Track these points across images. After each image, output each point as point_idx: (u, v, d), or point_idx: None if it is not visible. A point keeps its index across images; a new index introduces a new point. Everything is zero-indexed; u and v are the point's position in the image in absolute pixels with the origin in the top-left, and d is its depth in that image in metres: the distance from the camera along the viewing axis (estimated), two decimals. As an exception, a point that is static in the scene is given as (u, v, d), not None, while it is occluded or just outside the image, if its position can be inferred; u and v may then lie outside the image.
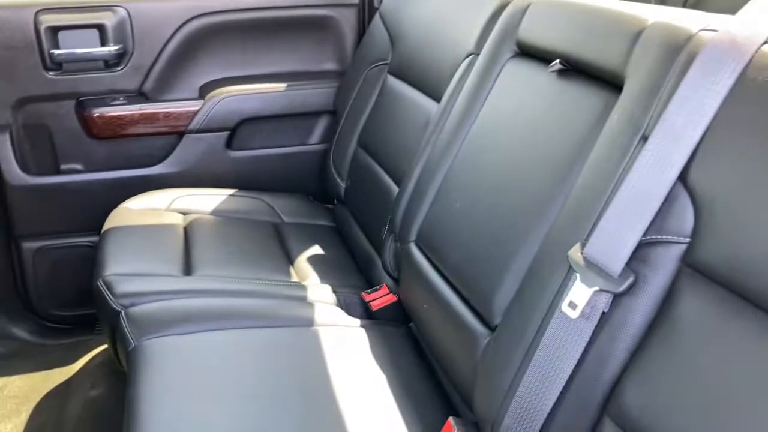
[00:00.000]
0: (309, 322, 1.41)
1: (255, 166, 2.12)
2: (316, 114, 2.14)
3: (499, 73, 1.34)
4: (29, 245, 2.04)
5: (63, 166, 2.04)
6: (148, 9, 1.97)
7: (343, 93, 2.05)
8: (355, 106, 1.96)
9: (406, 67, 1.77)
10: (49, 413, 1.79)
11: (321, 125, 2.16)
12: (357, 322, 1.44)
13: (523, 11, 1.31)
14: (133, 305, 1.40)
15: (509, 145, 1.22)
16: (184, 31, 2.01)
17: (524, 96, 1.25)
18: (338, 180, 1.94)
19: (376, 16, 2.00)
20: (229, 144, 2.09)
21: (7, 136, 1.95)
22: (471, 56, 1.47)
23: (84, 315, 2.06)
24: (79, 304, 2.07)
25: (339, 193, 1.93)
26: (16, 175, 1.96)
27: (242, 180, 2.08)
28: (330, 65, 2.18)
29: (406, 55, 1.79)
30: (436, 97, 1.54)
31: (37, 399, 1.84)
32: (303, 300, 1.49)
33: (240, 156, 2.10)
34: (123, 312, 1.38)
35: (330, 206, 2.07)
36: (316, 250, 1.77)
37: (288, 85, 2.09)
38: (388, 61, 1.87)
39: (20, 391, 1.87)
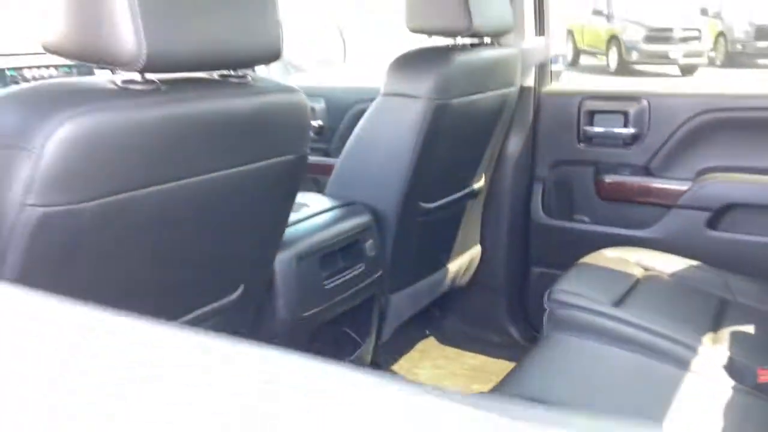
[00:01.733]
0: (685, 367, 1.62)
1: (735, 248, 2.28)
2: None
3: None
4: (536, 270, 2.69)
5: (575, 216, 2.62)
6: (666, 102, 2.40)
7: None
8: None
9: None
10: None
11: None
12: (731, 383, 1.57)
13: None
14: (558, 309, 1.86)
15: None
16: (693, 122, 2.35)
17: None
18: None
19: None
20: (710, 224, 2.31)
21: (541, 187, 2.64)
22: None
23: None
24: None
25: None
26: (540, 215, 2.63)
27: (715, 258, 2.27)
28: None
29: None
30: None
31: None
32: (694, 350, 1.68)
33: (717, 236, 2.30)
34: (548, 310, 1.86)
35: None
36: (745, 328, 1.88)
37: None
38: None
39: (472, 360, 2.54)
